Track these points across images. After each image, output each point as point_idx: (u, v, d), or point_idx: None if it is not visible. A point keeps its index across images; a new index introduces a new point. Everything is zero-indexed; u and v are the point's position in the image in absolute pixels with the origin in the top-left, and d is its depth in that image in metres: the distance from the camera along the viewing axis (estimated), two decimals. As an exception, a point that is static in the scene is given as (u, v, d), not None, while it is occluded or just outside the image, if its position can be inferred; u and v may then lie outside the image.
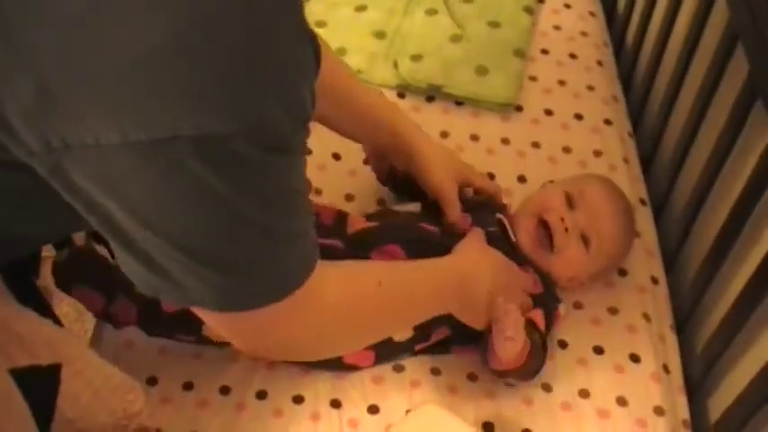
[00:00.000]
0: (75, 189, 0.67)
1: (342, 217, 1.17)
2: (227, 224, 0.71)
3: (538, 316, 1.10)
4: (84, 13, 0.59)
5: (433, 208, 1.17)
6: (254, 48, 0.63)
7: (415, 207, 1.19)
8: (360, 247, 1.10)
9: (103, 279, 1.07)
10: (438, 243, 1.11)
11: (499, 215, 1.18)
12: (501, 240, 1.15)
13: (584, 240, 1.14)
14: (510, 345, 1.00)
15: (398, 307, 1.02)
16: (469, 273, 1.07)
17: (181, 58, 0.60)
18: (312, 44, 0.73)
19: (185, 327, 1.07)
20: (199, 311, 0.81)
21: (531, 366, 1.08)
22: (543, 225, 1.15)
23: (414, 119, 1.41)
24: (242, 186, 0.68)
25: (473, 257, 1.09)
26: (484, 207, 1.20)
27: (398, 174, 1.24)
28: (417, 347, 1.12)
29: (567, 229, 1.13)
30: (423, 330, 1.09)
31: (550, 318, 1.13)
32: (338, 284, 0.90)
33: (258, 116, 0.65)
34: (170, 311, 1.06)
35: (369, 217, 1.18)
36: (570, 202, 1.16)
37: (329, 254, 1.10)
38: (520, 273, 1.13)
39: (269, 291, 0.78)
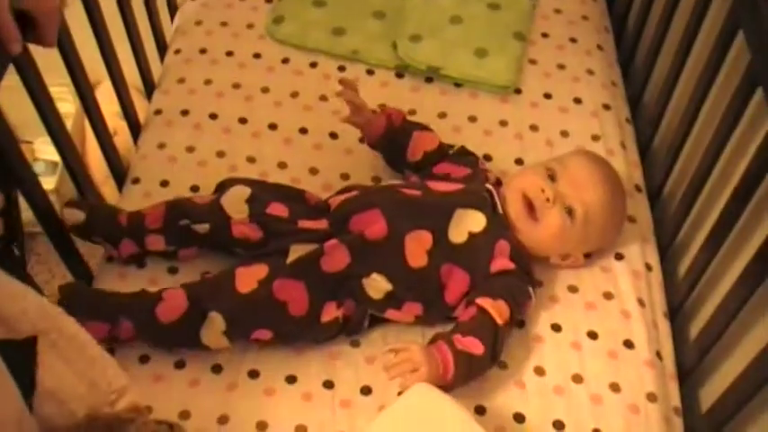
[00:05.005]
0: None
1: (324, 202, 1.20)
2: None
3: (498, 307, 1.09)
4: None
5: (420, 180, 1.21)
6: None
7: (399, 180, 1.22)
8: (340, 217, 1.14)
9: (104, 305, 1.08)
10: (419, 206, 1.14)
11: (489, 185, 1.19)
12: (488, 208, 1.16)
13: (569, 211, 1.15)
14: (413, 376, 1.03)
15: None
16: None
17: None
18: None
19: (183, 337, 1.09)
20: None
21: (466, 371, 1.06)
22: (526, 199, 1.16)
23: (412, 99, 1.41)
24: None
25: None
26: (475, 178, 1.22)
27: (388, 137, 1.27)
28: (387, 313, 1.13)
29: (548, 199, 1.15)
30: (396, 298, 1.11)
31: (520, 300, 1.13)
32: None
33: None
34: (167, 322, 1.07)
35: (353, 189, 1.20)
36: (552, 175, 1.17)
37: (314, 236, 1.12)
38: None
39: None
